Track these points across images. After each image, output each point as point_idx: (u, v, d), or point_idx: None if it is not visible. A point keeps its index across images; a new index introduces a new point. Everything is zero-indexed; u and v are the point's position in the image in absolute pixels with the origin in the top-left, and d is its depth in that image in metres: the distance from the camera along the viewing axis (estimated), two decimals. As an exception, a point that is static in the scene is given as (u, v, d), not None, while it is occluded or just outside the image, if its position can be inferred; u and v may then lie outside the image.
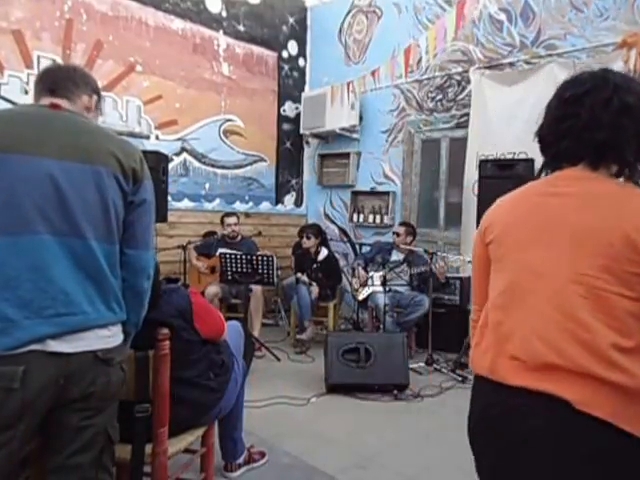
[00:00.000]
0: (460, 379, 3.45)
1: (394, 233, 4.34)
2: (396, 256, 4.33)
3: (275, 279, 4.05)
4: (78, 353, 1.15)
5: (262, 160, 5.54)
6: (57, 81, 1.31)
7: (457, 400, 3.14)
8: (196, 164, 4.95)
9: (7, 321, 1.08)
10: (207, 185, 5.05)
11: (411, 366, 3.50)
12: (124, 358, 1.31)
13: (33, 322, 1.10)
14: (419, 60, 4.52)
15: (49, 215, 1.14)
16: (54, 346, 1.12)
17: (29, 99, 3.50)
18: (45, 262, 1.13)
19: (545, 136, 1.07)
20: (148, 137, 4.54)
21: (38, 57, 3.84)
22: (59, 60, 3.92)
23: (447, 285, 4.32)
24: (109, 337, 1.23)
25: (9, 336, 1.07)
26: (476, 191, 4.27)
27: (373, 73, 4.20)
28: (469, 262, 3.79)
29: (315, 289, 4.27)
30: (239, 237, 4.45)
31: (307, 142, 5.95)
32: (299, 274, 4.48)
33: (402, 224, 4.45)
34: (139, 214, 1.30)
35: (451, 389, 3.32)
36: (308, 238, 4.41)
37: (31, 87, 3.77)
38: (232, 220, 4.41)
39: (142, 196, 1.30)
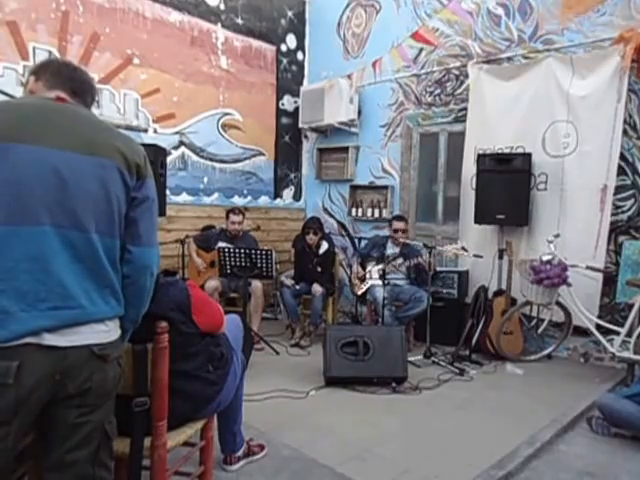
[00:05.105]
0: (458, 372, 3.45)
1: (396, 230, 4.24)
2: (392, 249, 4.32)
3: (274, 273, 4.06)
4: (74, 347, 1.14)
5: (261, 154, 5.52)
6: (81, 88, 1.32)
7: (455, 392, 3.16)
8: (194, 158, 4.93)
9: (2, 313, 1.06)
10: (205, 179, 5.04)
11: (409, 359, 3.51)
12: (121, 354, 1.30)
13: (29, 315, 1.08)
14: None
15: (51, 206, 1.13)
16: (50, 339, 1.10)
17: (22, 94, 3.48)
18: (44, 254, 1.12)
19: None
20: (146, 130, 4.52)
21: (34, 49, 3.82)
22: (55, 52, 3.89)
23: (444, 278, 4.34)
24: (106, 332, 1.22)
25: (4, 328, 1.05)
26: (474, 185, 4.28)
27: (374, 64, 4.17)
28: (463, 249, 3.81)
29: (319, 288, 4.23)
30: (240, 233, 4.43)
31: (306, 136, 5.94)
32: (282, 277, 4.49)
33: (400, 218, 4.39)
34: (142, 211, 1.29)
35: (449, 381, 3.32)
36: (315, 234, 4.38)
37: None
38: (237, 218, 4.32)
39: (145, 193, 1.29)
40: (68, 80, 1.31)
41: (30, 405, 1.11)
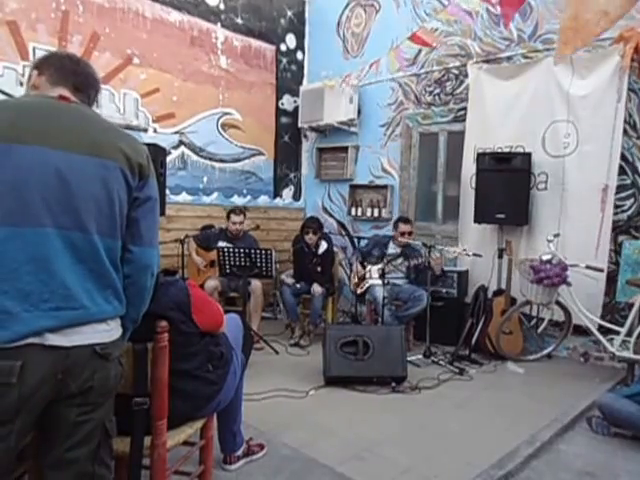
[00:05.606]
0: (457, 371, 3.45)
1: (403, 233, 4.21)
2: (393, 249, 4.32)
3: (273, 272, 4.06)
4: (76, 347, 1.14)
5: (260, 154, 5.52)
6: (85, 83, 1.32)
7: (454, 392, 3.16)
8: (194, 157, 4.93)
9: (5, 313, 1.06)
10: (205, 178, 5.04)
11: (409, 359, 3.51)
12: (122, 352, 1.30)
13: (32, 315, 1.08)
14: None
15: (53, 208, 1.13)
16: (52, 339, 1.11)
17: (24, 91, 3.48)
18: (47, 255, 1.12)
19: None
20: (146, 130, 4.52)
21: (34, 49, 3.81)
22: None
23: (443, 277, 4.33)
24: (107, 331, 1.22)
25: (7, 329, 1.05)
26: (474, 184, 4.28)
27: (371, 66, 4.21)
28: (464, 251, 3.80)
29: (318, 288, 4.22)
30: (241, 233, 4.41)
31: (305, 136, 5.94)
32: (283, 276, 4.48)
33: (406, 221, 4.34)
34: (144, 211, 1.28)
35: (448, 381, 3.33)
36: (315, 233, 4.38)
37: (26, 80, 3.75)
38: (238, 219, 4.32)
39: (147, 193, 1.29)
40: (71, 75, 1.30)
41: (33, 404, 1.11)
